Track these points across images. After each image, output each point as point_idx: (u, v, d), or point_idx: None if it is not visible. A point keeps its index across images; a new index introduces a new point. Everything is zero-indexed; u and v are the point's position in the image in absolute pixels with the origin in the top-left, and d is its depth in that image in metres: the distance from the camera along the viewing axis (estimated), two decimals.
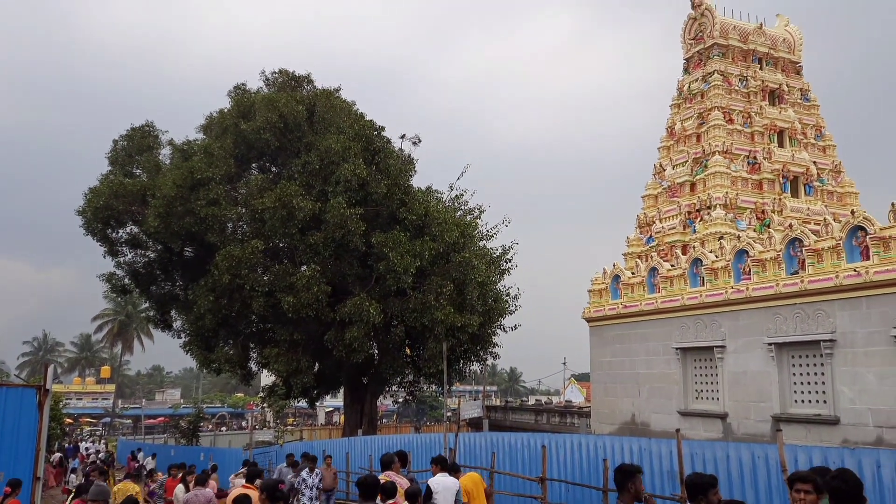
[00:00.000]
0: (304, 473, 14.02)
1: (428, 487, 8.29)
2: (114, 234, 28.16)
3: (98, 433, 65.15)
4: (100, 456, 32.41)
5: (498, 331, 29.41)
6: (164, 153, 29.47)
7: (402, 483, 7.87)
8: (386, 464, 8.56)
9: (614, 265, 25.01)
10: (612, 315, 24.06)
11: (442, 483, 8.54)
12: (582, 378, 62.81)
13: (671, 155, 26.83)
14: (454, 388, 45.61)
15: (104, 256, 28.61)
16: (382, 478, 7.34)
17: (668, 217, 25.62)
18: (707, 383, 20.62)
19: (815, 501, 4.41)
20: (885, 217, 16.19)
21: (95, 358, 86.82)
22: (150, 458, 28.68)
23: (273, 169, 28.09)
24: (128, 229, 28.43)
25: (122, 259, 29.07)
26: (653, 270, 22.88)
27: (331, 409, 72.71)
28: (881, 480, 8.07)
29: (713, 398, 20.29)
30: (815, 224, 20.81)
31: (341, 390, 32.41)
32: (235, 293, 24.88)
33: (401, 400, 37.48)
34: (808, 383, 17.51)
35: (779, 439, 8.47)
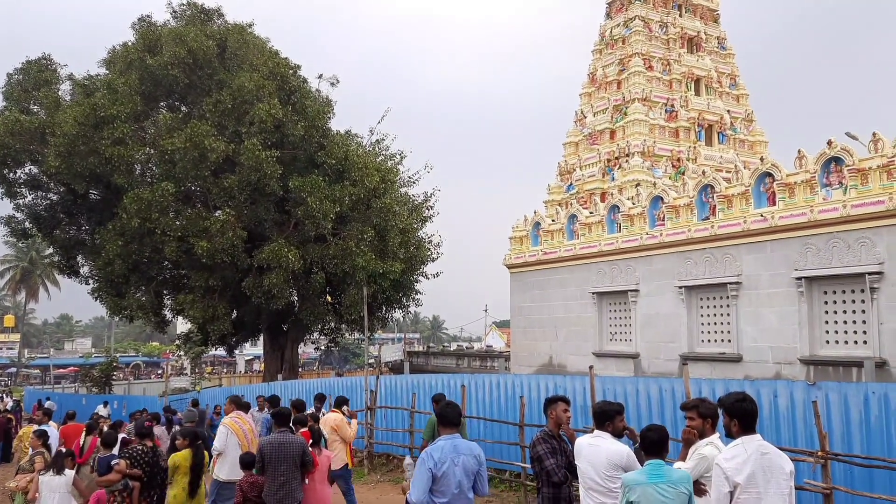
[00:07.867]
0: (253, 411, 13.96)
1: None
2: (11, 175, 26.35)
3: (4, 384, 62.62)
4: (7, 406, 31.11)
5: (420, 278, 29.34)
6: (64, 88, 27.50)
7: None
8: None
9: (535, 212, 25.20)
10: (533, 261, 24.35)
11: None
12: (503, 325, 64.01)
13: (592, 102, 27.01)
14: (377, 335, 45.64)
15: (1, 198, 26.86)
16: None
17: (589, 164, 25.91)
18: (621, 325, 21.24)
19: (700, 425, 4.90)
20: (791, 164, 16.78)
21: None
22: (101, 405, 27.10)
23: (183, 108, 26.71)
24: (26, 169, 26.65)
25: (21, 201, 27.34)
26: (572, 217, 23.17)
27: (251, 357, 71.91)
28: (777, 408, 8.47)
29: (626, 340, 20.95)
30: (726, 171, 21.43)
31: (261, 338, 31.89)
32: (146, 238, 23.85)
33: (322, 347, 37.25)
34: (715, 324, 18.24)
35: (684, 373, 8.74)
